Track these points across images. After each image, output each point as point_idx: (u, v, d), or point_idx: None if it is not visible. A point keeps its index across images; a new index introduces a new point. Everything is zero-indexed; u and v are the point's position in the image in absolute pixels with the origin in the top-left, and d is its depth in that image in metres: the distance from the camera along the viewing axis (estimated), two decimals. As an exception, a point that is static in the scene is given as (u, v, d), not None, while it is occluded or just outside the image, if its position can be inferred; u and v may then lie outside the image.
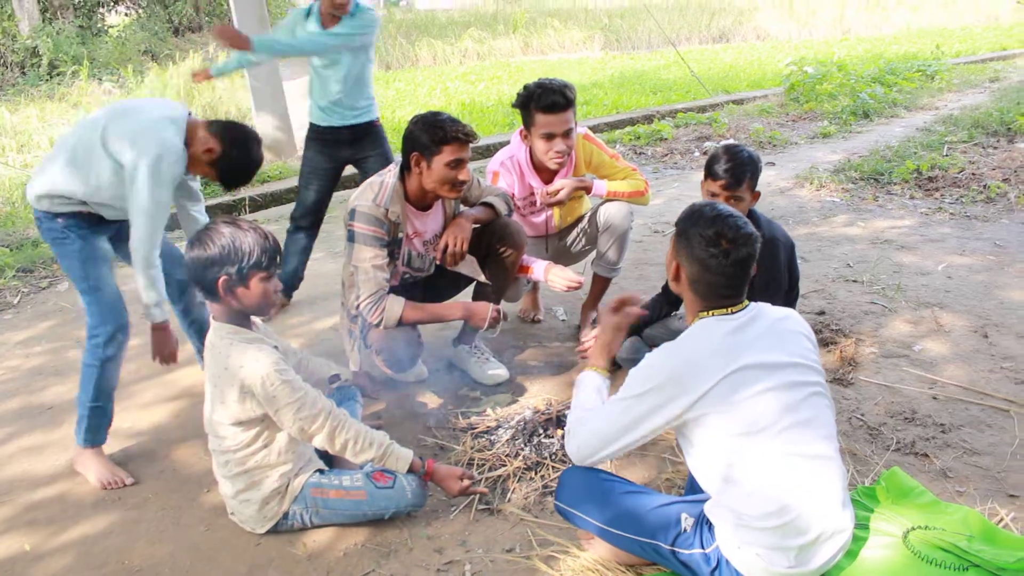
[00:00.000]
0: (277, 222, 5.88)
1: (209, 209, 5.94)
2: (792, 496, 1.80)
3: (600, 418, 1.98)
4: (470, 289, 3.40)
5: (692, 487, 2.13)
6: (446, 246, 3.02)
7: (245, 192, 6.63)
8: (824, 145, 7.84)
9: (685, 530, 1.94)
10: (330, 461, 2.57)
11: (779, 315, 1.98)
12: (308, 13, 3.81)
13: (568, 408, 2.73)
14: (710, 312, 1.94)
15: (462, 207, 3.19)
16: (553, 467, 2.64)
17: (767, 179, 6.37)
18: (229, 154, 2.71)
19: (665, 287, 3.21)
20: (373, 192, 2.88)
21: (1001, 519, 2.28)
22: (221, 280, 2.17)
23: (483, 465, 2.68)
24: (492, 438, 2.83)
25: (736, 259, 1.89)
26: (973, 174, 6.06)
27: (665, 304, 3.19)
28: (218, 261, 2.16)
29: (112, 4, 16.90)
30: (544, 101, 3.17)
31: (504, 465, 2.66)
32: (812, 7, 20.59)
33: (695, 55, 14.91)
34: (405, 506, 2.36)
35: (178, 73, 11.25)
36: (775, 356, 1.87)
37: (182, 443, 2.96)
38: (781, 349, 1.90)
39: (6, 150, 7.77)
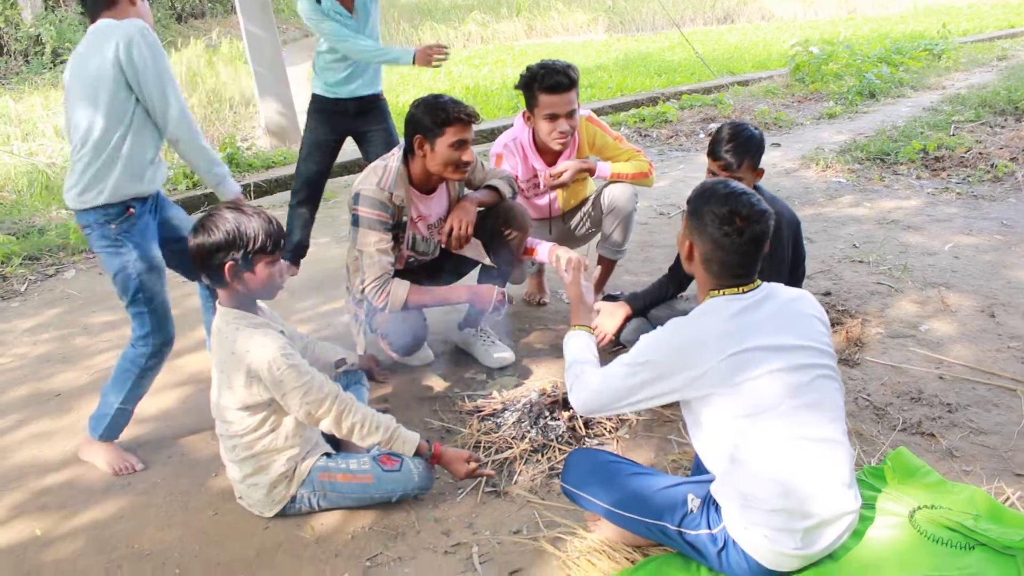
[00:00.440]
0: (282, 208, 5.87)
1: (210, 199, 5.98)
2: (798, 479, 1.80)
3: (605, 377, 2.00)
4: (475, 272, 3.41)
5: (698, 468, 2.14)
6: (451, 229, 3.02)
7: (250, 178, 6.63)
8: (830, 125, 7.78)
9: (692, 511, 1.94)
10: (337, 445, 2.58)
11: (791, 296, 1.97)
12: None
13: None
14: (721, 291, 1.93)
15: (466, 190, 3.19)
16: (559, 449, 2.65)
17: (773, 160, 6.33)
18: None
19: (671, 269, 3.20)
20: (377, 176, 2.88)
21: (1008, 498, 2.27)
22: (227, 266, 2.18)
23: (490, 447, 2.69)
24: (498, 421, 2.84)
25: (750, 236, 1.87)
26: (980, 153, 6.01)
27: (671, 286, 3.19)
28: (223, 247, 2.16)
29: (114, -9, 16.83)
30: (547, 81, 3.16)
31: (510, 447, 2.67)
32: (817, -13, 20.42)
33: (700, 36, 14.79)
34: (412, 489, 2.38)
35: (181, 60, 11.23)
36: (783, 338, 1.87)
37: (190, 428, 2.98)
38: (790, 331, 1.89)
39: (11, 138, 7.78)
